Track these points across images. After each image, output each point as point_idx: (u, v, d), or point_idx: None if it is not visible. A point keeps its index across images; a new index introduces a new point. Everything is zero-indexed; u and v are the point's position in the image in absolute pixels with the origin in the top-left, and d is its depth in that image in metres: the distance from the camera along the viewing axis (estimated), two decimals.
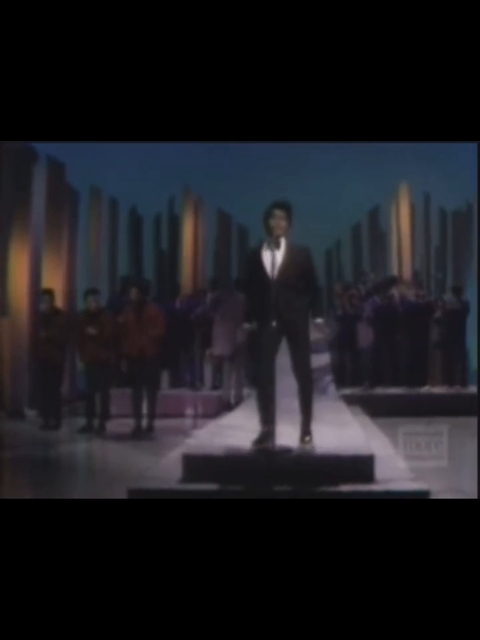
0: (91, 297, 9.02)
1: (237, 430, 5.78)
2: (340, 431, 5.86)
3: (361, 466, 4.72)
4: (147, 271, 14.22)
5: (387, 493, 4.48)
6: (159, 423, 8.75)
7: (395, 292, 11.54)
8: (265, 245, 5.00)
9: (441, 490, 4.78)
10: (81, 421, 9.11)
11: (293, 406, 5.11)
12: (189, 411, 10.70)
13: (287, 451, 4.78)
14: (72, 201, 12.42)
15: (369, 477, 4.68)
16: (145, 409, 8.67)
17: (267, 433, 4.87)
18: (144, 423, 8.60)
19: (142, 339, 8.39)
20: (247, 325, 5.09)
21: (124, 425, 8.73)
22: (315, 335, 5.21)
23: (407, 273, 13.81)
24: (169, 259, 14.54)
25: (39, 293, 10.18)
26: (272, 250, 4.90)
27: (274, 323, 4.80)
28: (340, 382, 10.48)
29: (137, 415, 8.58)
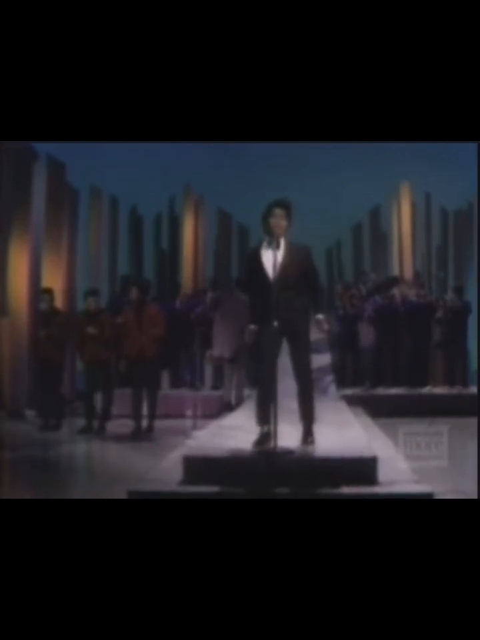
0: (91, 297, 9.01)
1: (238, 431, 5.76)
2: (342, 432, 5.84)
3: (364, 468, 4.67)
4: (147, 270, 14.19)
5: (390, 496, 4.44)
6: (159, 424, 8.73)
7: (396, 292, 11.52)
8: (265, 245, 4.98)
9: (441, 490, 4.75)
10: (81, 422, 9.08)
11: (294, 406, 5.09)
12: (190, 411, 10.67)
13: (288, 452, 4.76)
14: (72, 201, 12.39)
15: (371, 479, 4.64)
16: (145, 410, 8.65)
17: (267, 434, 4.86)
18: (144, 423, 8.58)
19: (142, 339, 8.39)
20: (253, 326, 5.03)
21: (124, 425, 8.71)
22: (316, 334, 5.18)
23: (408, 272, 13.77)
24: (169, 259, 14.52)
25: (38, 293, 10.16)
26: (272, 249, 4.88)
27: (275, 323, 4.78)
28: (341, 382, 10.49)
29: (137, 415, 8.56)
